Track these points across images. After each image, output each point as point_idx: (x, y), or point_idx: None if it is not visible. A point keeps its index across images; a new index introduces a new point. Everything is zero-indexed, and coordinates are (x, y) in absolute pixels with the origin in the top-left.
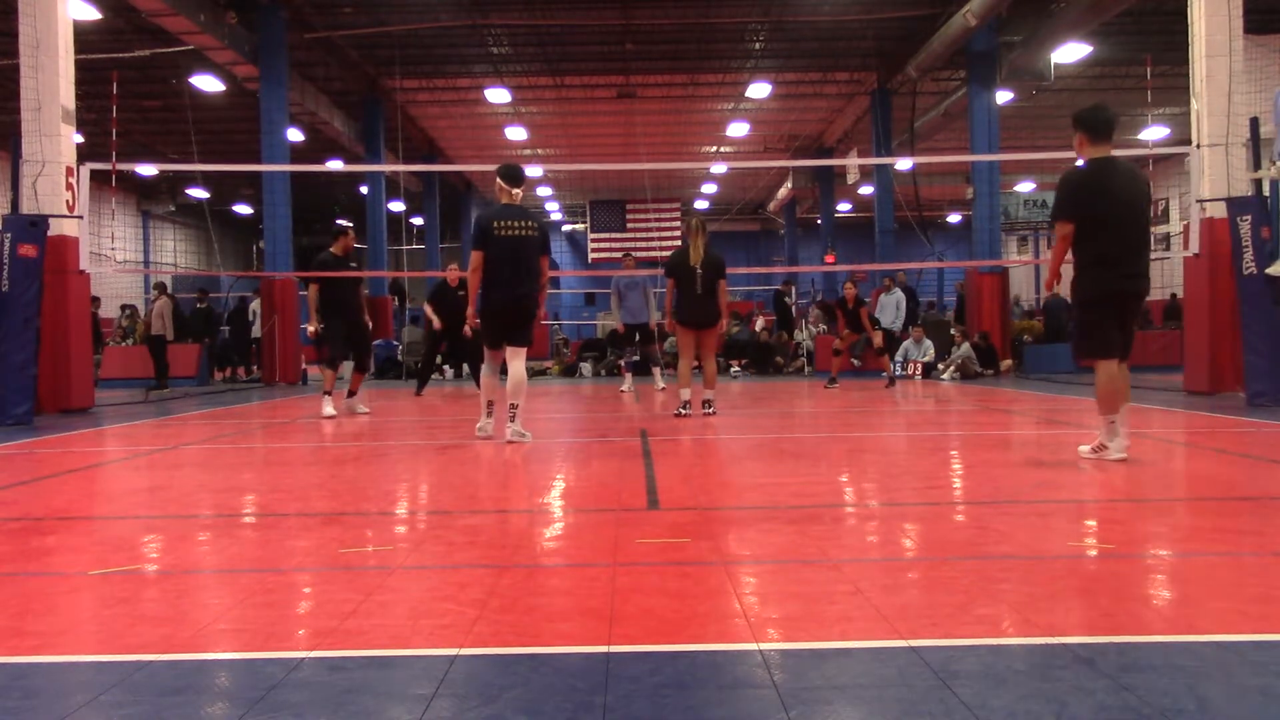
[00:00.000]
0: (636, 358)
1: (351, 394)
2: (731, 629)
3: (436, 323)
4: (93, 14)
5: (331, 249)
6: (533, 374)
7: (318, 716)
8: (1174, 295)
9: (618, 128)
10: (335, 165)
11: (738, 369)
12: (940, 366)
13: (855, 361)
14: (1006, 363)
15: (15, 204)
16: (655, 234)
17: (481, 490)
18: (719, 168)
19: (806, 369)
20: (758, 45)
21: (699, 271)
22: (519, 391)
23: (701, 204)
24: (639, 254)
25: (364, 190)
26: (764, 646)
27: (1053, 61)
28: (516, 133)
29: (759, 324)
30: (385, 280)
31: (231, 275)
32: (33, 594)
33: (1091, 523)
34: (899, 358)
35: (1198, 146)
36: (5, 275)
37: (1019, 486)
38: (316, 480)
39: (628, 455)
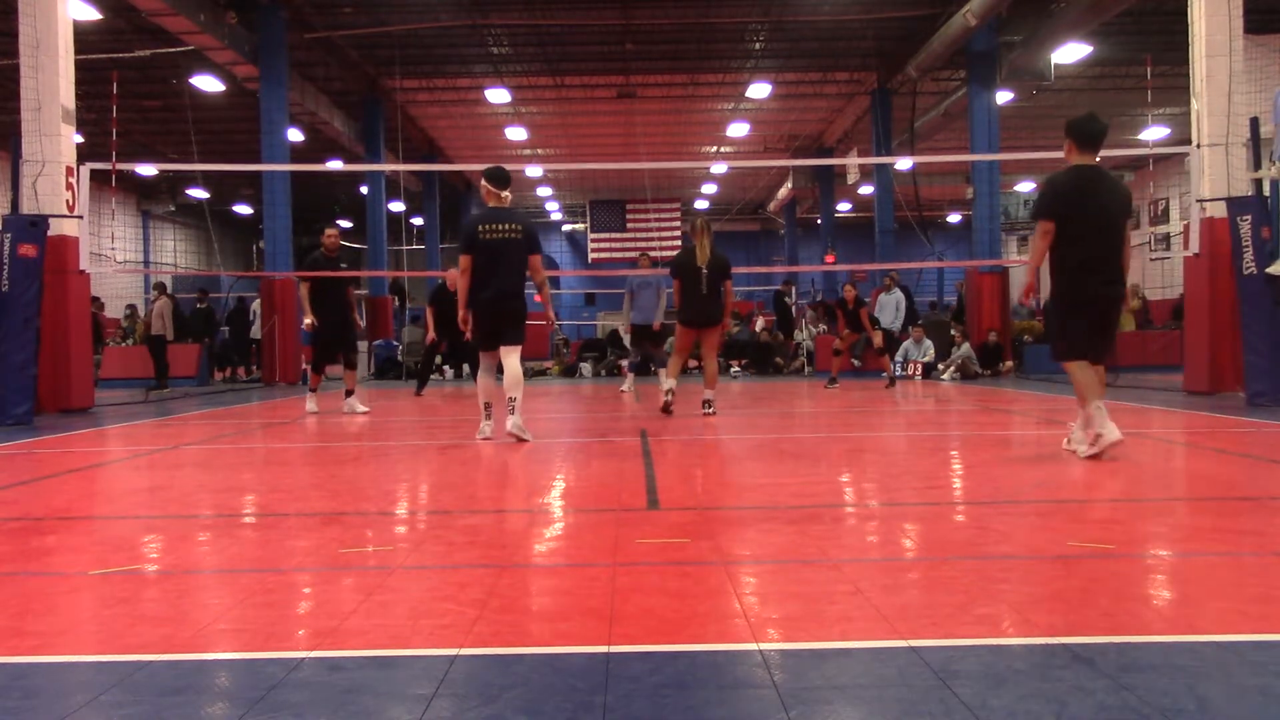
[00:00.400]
0: (638, 358)
1: (349, 393)
2: (731, 629)
3: (431, 334)
4: (93, 14)
5: (320, 249)
6: (533, 374)
7: (318, 716)
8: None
9: (618, 128)
10: (335, 165)
11: (738, 369)
12: (940, 366)
13: (855, 362)
14: (1007, 363)
15: (15, 204)
16: (655, 234)
17: (481, 490)
18: (719, 168)
19: (806, 369)
20: (758, 45)
21: (704, 271)
22: (516, 385)
23: (701, 204)
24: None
25: (364, 190)
26: (764, 646)
27: (1053, 61)
28: (516, 133)
29: (759, 324)
30: (385, 280)
31: (231, 275)
32: (33, 594)
33: (1091, 522)
34: (899, 358)
35: (1198, 146)
36: (5, 275)
37: (1019, 486)
38: (316, 480)
39: (628, 455)
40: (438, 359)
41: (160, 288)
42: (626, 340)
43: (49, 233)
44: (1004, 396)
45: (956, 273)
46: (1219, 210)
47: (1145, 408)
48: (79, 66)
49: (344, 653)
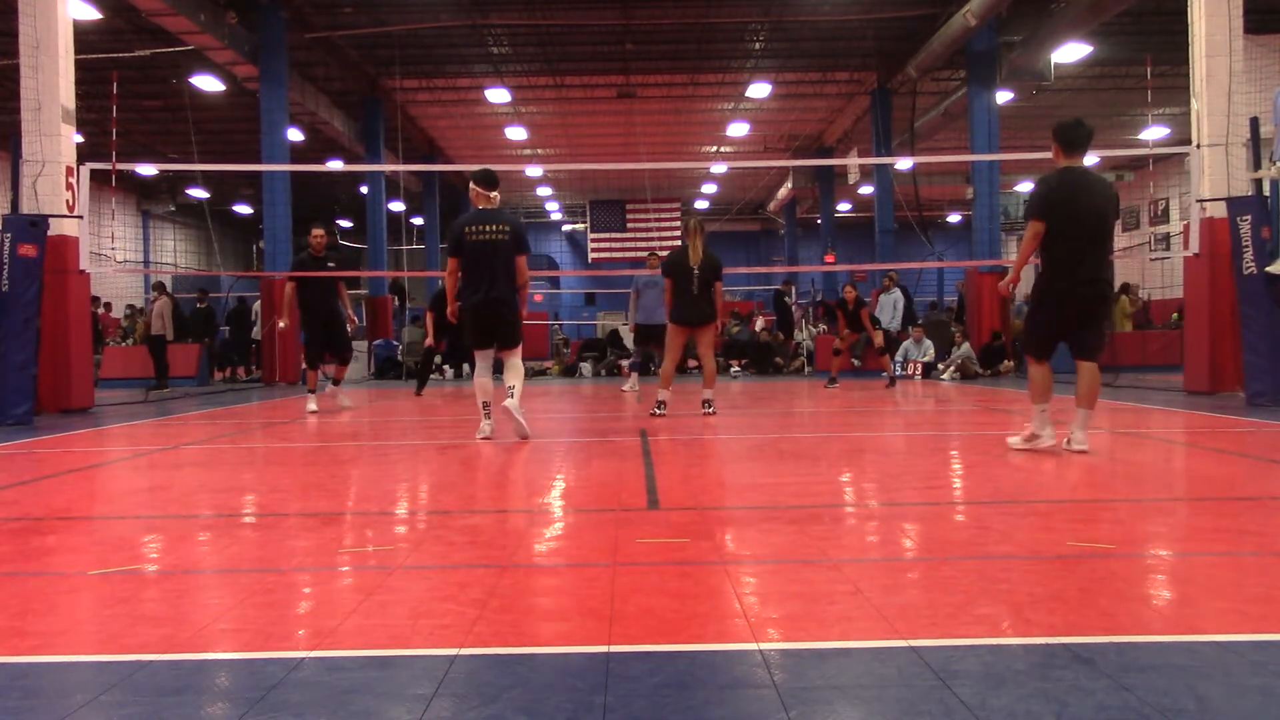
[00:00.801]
0: (640, 358)
1: (336, 382)
2: (731, 629)
3: (430, 338)
4: (93, 14)
5: (308, 250)
6: (533, 374)
7: (318, 716)
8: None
9: (618, 128)
10: (335, 165)
11: (738, 369)
12: (940, 366)
13: (856, 362)
14: (1008, 364)
15: (15, 204)
16: (655, 234)
17: (481, 490)
18: (719, 168)
19: (806, 369)
20: (758, 45)
21: (696, 272)
22: (515, 374)
23: (701, 204)
24: (639, 254)
25: (364, 190)
26: (764, 646)
27: (1053, 61)
28: (516, 133)
29: (759, 324)
30: (385, 280)
31: (231, 275)
32: (33, 594)
33: (1091, 522)
34: (899, 358)
35: (1198, 146)
36: (5, 275)
37: (1019, 486)
38: (316, 480)
39: (628, 455)
40: (437, 359)
41: (160, 288)
42: (629, 339)
43: (49, 233)
44: (1004, 396)
45: (956, 273)
46: (1219, 210)
47: (1145, 408)
48: (79, 66)
49: (344, 653)
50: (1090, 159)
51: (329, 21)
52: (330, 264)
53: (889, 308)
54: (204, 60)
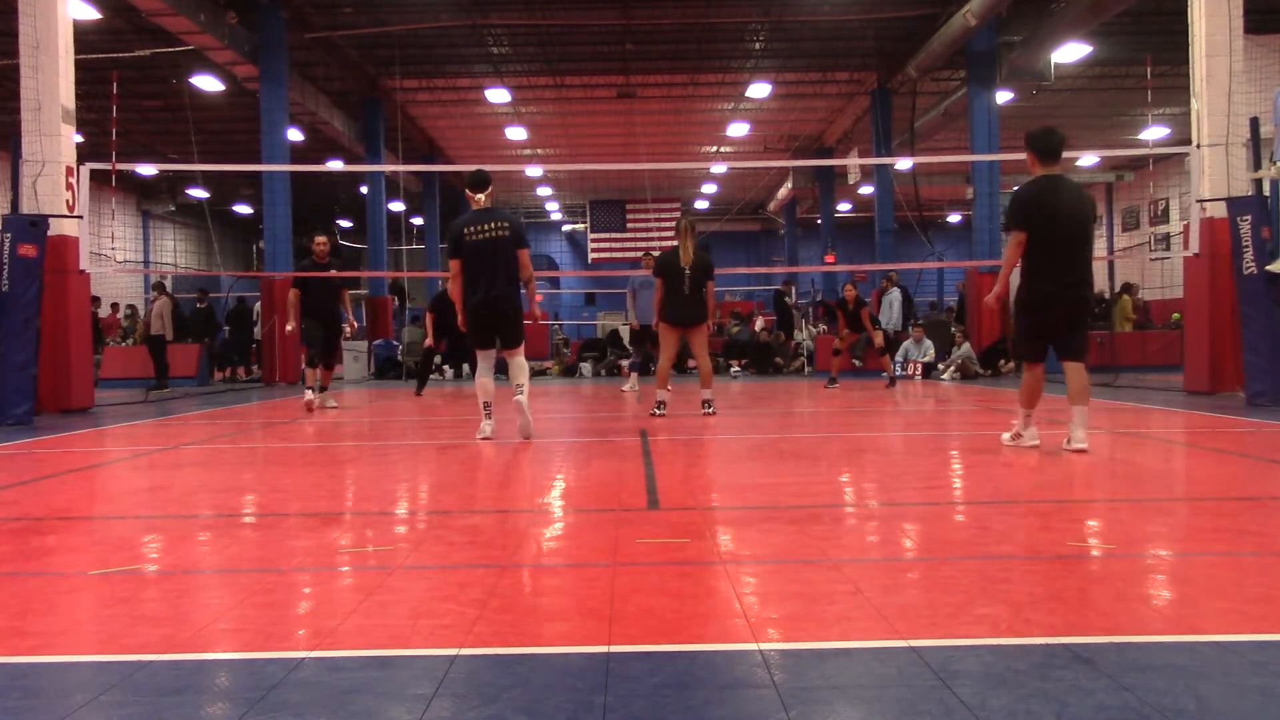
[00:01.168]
0: (639, 358)
1: (321, 389)
2: (731, 629)
3: (430, 339)
4: (93, 14)
5: (311, 257)
6: (533, 374)
7: (318, 716)
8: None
9: (618, 128)
10: (335, 165)
11: (738, 369)
12: (940, 366)
13: (856, 362)
14: (1008, 364)
15: (15, 204)
16: (655, 234)
17: (481, 490)
18: (719, 168)
19: (806, 369)
20: (758, 45)
21: (687, 272)
22: (521, 372)
23: (701, 204)
24: (639, 254)
25: (364, 190)
26: (764, 646)
27: (1053, 61)
28: (516, 133)
29: (759, 324)
30: (385, 280)
31: (231, 275)
32: (33, 594)
33: (1092, 522)
34: (899, 358)
35: (1198, 146)
36: (5, 275)
37: (1019, 486)
38: (316, 480)
39: (628, 455)
40: (437, 359)
41: (160, 287)
42: (629, 339)
43: (49, 233)
44: (1004, 396)
45: (956, 273)
46: (1219, 210)
47: (1145, 408)
48: (79, 66)
49: (344, 653)
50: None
51: (329, 21)
52: (332, 270)
53: (888, 308)
54: (204, 60)
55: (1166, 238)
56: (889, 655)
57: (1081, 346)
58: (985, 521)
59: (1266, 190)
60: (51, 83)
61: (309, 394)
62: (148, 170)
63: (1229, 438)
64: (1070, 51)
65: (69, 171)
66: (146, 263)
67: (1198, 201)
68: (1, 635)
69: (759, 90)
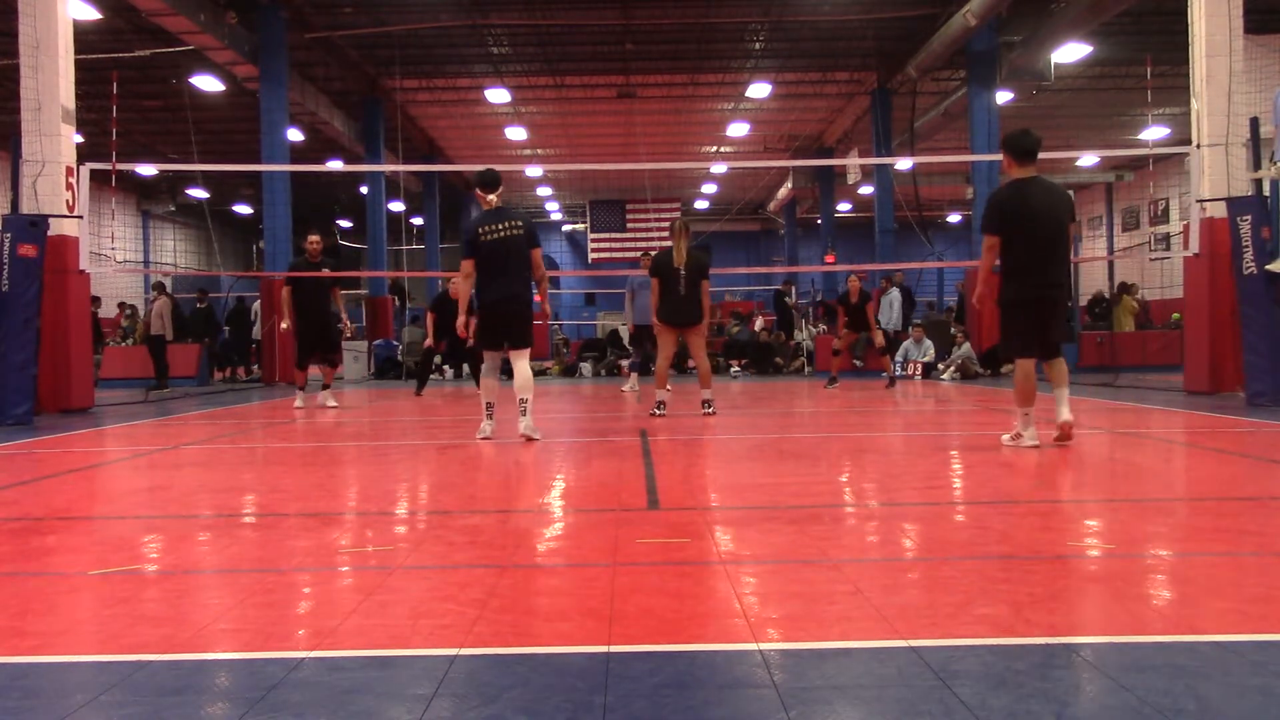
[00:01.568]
0: (639, 358)
1: (325, 387)
2: (731, 629)
3: (430, 339)
4: (93, 14)
5: (304, 255)
6: (533, 374)
7: (318, 716)
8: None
9: (618, 128)
10: (335, 165)
11: (738, 369)
12: (940, 366)
13: (857, 362)
14: (1008, 366)
15: (15, 204)
16: (655, 234)
17: (481, 490)
18: (719, 168)
19: (806, 369)
20: (758, 45)
21: (682, 272)
22: (526, 387)
23: (701, 204)
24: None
25: (364, 190)
26: (764, 646)
27: (1053, 61)
28: (516, 133)
29: (759, 324)
30: (385, 280)
31: (231, 275)
32: (33, 594)
33: (1092, 522)
34: (899, 358)
35: (1198, 146)
36: (5, 275)
37: (1019, 486)
38: (316, 480)
39: (628, 455)
40: (436, 359)
41: (160, 287)
42: (628, 339)
43: (49, 233)
44: (1004, 396)
45: (956, 273)
46: (1219, 210)
47: (1145, 408)
48: (79, 66)
49: (344, 653)
50: (1090, 159)
51: (329, 21)
52: (325, 269)
53: (888, 308)
54: (204, 60)
55: (1166, 238)
56: (889, 655)
57: (1058, 343)
58: (985, 521)
59: (1266, 190)
60: (51, 83)
61: (299, 399)
62: (148, 170)
63: (1229, 438)
64: (1070, 51)
65: (69, 171)
66: (146, 263)
67: (1198, 201)
68: (1, 635)
69: (759, 90)
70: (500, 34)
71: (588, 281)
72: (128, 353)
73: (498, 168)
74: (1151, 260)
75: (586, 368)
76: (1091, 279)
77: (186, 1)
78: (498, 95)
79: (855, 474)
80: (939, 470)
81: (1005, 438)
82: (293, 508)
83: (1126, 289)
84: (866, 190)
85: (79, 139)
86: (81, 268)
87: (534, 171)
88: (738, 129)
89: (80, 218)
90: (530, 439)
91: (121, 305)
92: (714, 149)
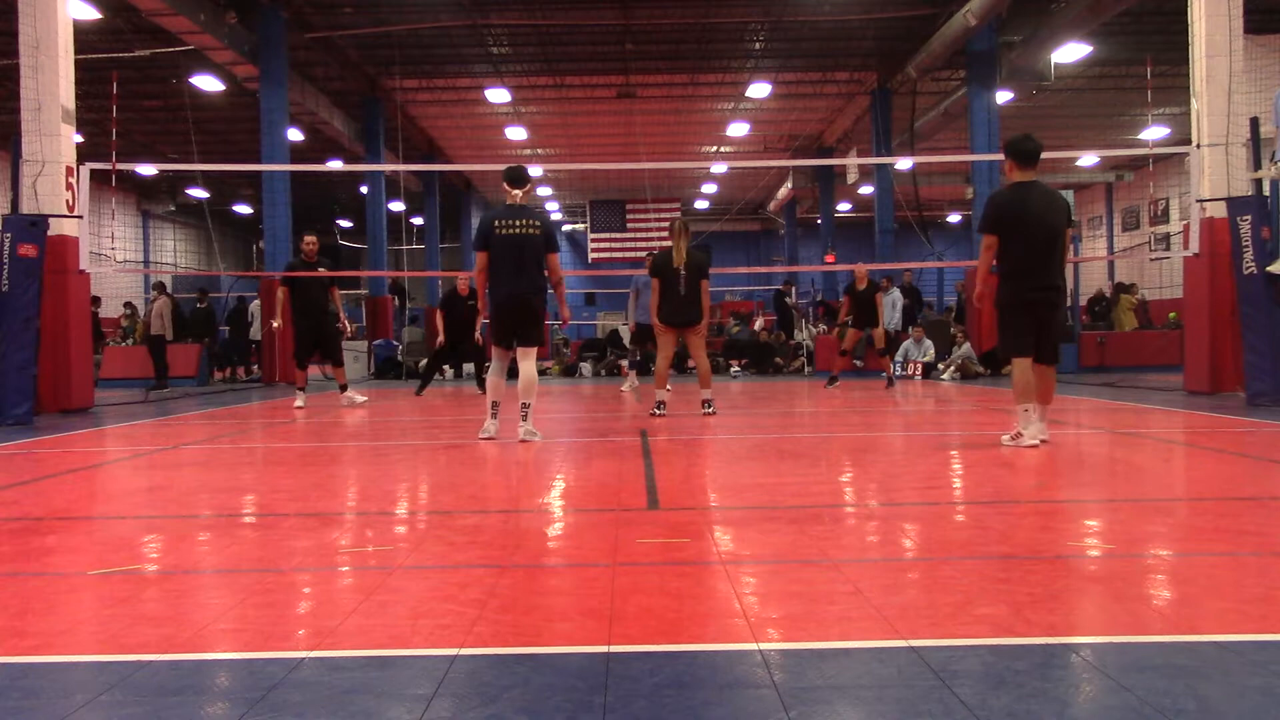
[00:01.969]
0: (639, 357)
1: (342, 389)
2: (731, 629)
3: (441, 338)
4: (93, 14)
5: (300, 255)
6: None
7: (318, 716)
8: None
9: (618, 128)
10: (335, 165)
11: (738, 369)
12: (940, 366)
13: (857, 362)
14: (1008, 367)
15: (15, 204)
16: (655, 234)
17: (481, 490)
18: (719, 168)
19: (806, 369)
20: (758, 45)
21: (682, 272)
22: (530, 391)
23: (701, 204)
24: (639, 254)
25: (364, 190)
26: (764, 646)
27: (1053, 61)
28: (516, 133)
29: (759, 324)
30: (385, 280)
31: (231, 275)
32: (33, 594)
33: (1092, 522)
34: (899, 358)
35: (1198, 146)
36: (5, 275)
37: (1019, 486)
38: (316, 480)
39: (628, 455)
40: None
41: (160, 287)
42: (628, 339)
43: (49, 233)
44: (1004, 396)
45: (956, 273)
46: (1219, 210)
47: (1145, 408)
48: (79, 66)
49: (344, 653)
50: (1090, 159)
51: (329, 21)
52: (320, 269)
53: (889, 308)
54: (204, 60)
55: (1166, 238)
56: (889, 655)
57: (1054, 350)
58: (985, 521)
59: (1266, 190)
60: (51, 83)
61: (299, 399)
62: (148, 170)
63: (1229, 438)
64: (1070, 51)
65: (69, 171)
66: (146, 263)
67: (1198, 201)
68: (1, 635)
69: (759, 90)
70: (500, 34)
71: (588, 281)
72: (128, 353)
73: (498, 168)
74: (1151, 260)
75: (586, 368)
76: (1091, 279)
77: (186, 1)
78: (498, 95)
79: (855, 474)
80: (939, 470)
81: (1005, 438)
82: (293, 508)
83: (1125, 289)
84: (866, 190)
85: (79, 139)
86: (81, 268)
87: (534, 171)
88: (738, 129)
89: (80, 218)
90: (528, 443)
91: (128, 304)
92: (714, 149)
